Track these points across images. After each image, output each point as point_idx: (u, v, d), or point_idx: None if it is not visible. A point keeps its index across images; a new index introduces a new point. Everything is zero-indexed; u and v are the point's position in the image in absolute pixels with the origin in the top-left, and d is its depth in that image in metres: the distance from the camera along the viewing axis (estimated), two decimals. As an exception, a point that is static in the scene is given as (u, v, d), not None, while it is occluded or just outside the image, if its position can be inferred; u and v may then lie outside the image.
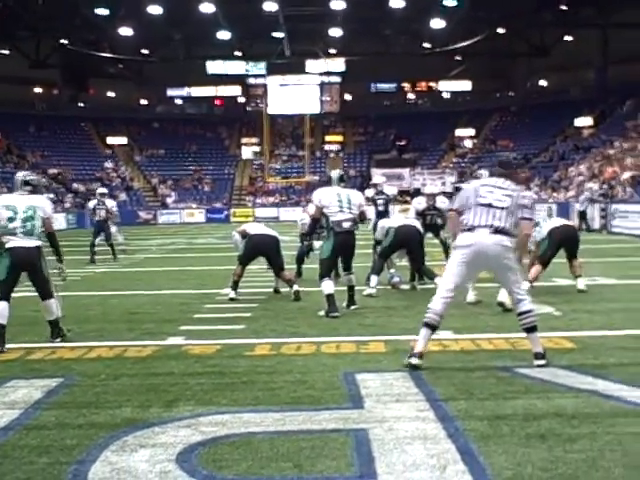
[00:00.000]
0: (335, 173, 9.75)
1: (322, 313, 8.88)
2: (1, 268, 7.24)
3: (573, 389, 5.30)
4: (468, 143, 57.05)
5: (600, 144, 42.42)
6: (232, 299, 10.35)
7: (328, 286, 8.98)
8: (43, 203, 7.63)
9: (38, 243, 7.37)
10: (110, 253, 18.32)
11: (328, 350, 6.85)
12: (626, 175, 31.64)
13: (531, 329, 6.08)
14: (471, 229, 6.02)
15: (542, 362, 5.99)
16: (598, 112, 48.19)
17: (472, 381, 5.59)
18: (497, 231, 5.98)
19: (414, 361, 5.94)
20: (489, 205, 6.06)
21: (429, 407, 4.93)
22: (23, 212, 7.33)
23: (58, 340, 7.41)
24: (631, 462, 3.88)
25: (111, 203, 19.65)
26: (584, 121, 48.33)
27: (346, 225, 9.08)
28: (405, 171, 52.11)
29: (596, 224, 27.21)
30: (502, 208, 6.05)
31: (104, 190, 20.44)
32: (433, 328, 6.04)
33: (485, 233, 5.97)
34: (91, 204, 19.35)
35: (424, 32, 49.36)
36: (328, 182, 9.75)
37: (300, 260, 12.81)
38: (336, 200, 9.17)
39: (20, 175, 7.78)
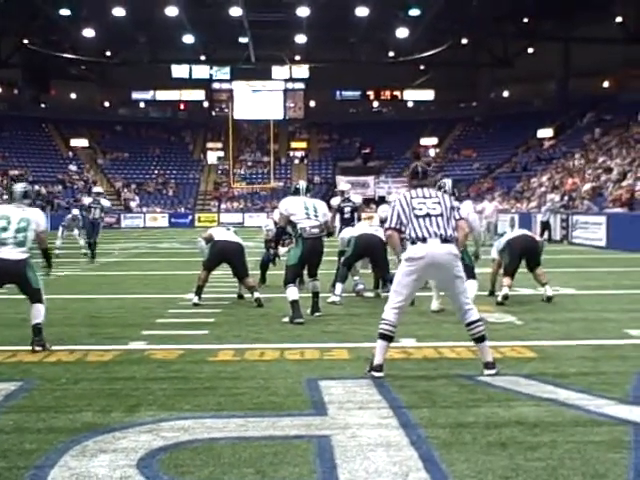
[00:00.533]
0: (302, 183, 9.93)
1: (286, 319, 8.88)
2: None
3: (534, 398, 5.35)
4: (432, 152, 57.47)
5: (561, 155, 43.02)
6: (196, 304, 10.32)
7: (293, 292, 8.98)
8: (38, 217, 7.49)
9: (26, 255, 7.24)
10: (80, 255, 18.49)
11: (291, 356, 6.84)
12: (586, 187, 32.09)
13: (480, 339, 6.08)
14: (422, 240, 6.00)
15: (492, 372, 6.01)
16: (559, 124, 48.87)
17: (435, 389, 5.62)
18: (445, 240, 6.02)
19: (376, 374, 5.94)
20: (427, 215, 6.08)
21: (392, 414, 4.95)
22: (17, 223, 7.21)
23: (39, 349, 7.12)
24: (590, 471, 3.92)
25: (106, 203, 19.84)
26: (545, 132, 49.01)
27: (315, 231, 9.13)
28: (370, 179, 52.36)
29: (557, 235, 27.54)
30: (439, 215, 6.09)
31: (100, 189, 20.64)
32: (389, 339, 6.03)
33: (437, 243, 5.97)
34: (86, 201, 19.55)
35: (389, 41, 49.63)
36: (295, 192, 9.79)
37: (264, 266, 12.79)
38: (303, 208, 9.23)
39: (19, 187, 7.63)
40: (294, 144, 61.63)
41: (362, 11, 42.67)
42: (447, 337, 7.76)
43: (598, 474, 3.88)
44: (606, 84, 50.31)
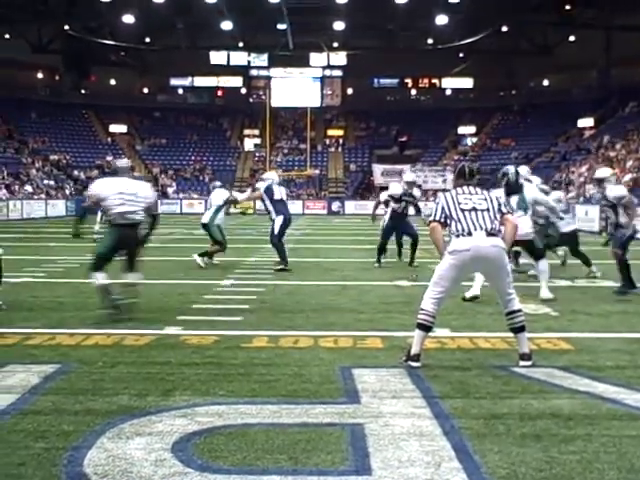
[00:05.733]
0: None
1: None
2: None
3: (569, 390, 5.30)
4: (469, 141, 57.01)
5: (601, 145, 42.42)
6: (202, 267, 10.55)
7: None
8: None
9: None
10: None
11: (325, 344, 6.85)
12: (626, 178, 31.63)
13: (519, 329, 6.05)
14: (467, 233, 5.97)
15: (528, 363, 5.98)
16: (600, 113, 48.20)
17: (469, 379, 5.59)
18: (491, 234, 5.98)
19: (413, 364, 5.93)
20: (474, 209, 6.04)
21: (425, 404, 4.94)
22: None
23: None
24: (626, 465, 3.88)
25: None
26: (586, 122, 48.36)
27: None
28: (406, 167, 52.05)
29: (596, 226, 27.15)
30: (485, 210, 6.06)
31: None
32: (427, 329, 6.02)
33: (482, 236, 5.93)
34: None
35: (428, 28, 49.30)
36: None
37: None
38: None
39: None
40: (331, 132, 61.49)
41: (401, -2, 42.46)
42: (482, 327, 7.73)
43: (634, 469, 3.84)
44: (649, 73, 49.47)
